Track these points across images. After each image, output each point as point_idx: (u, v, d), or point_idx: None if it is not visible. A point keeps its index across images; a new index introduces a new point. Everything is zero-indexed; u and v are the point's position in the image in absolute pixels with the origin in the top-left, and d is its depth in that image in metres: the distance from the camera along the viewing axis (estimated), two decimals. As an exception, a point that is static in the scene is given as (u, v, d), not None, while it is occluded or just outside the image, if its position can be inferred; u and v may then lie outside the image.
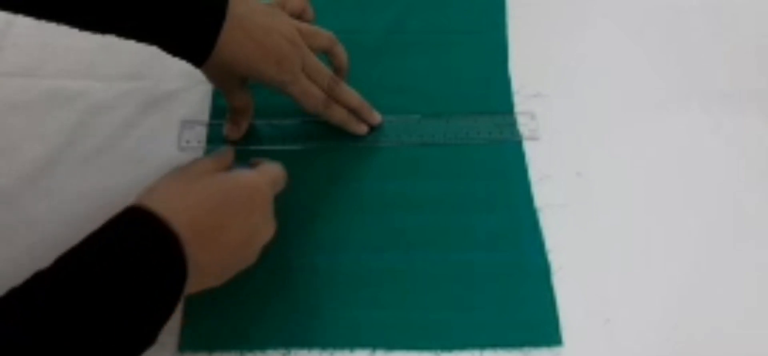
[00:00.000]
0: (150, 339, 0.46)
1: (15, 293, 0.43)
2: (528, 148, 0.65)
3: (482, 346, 0.55)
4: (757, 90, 0.70)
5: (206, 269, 0.50)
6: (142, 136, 0.66)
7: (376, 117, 0.67)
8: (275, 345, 0.54)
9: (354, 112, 0.65)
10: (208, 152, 0.65)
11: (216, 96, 0.68)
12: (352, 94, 0.65)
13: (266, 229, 0.54)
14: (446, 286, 0.58)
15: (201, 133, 0.66)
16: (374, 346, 0.55)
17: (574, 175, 0.64)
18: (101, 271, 0.45)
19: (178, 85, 0.69)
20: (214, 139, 0.66)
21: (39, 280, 0.43)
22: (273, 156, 0.59)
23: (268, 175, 0.56)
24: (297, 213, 0.60)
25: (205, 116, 0.67)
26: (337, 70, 0.65)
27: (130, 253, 0.46)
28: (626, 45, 0.73)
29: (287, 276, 0.58)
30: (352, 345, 0.55)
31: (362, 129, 0.66)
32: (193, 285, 0.49)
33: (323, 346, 0.55)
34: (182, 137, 0.66)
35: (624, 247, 0.60)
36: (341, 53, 0.65)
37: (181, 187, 0.51)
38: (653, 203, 0.62)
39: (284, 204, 0.56)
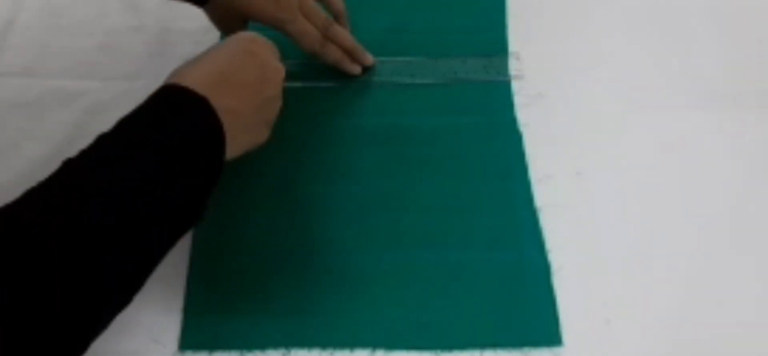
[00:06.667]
0: (200, 209, 0.48)
1: (69, 165, 0.46)
2: (528, 147, 0.65)
3: (482, 346, 0.55)
4: (758, 90, 0.70)
5: (237, 116, 0.51)
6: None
7: (369, 58, 0.70)
8: (275, 345, 0.54)
9: (348, 52, 0.69)
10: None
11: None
12: (346, 36, 0.68)
13: (274, 71, 0.57)
14: (446, 286, 0.57)
15: None
16: (374, 346, 0.55)
17: (574, 175, 0.64)
18: (141, 144, 0.47)
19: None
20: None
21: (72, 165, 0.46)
22: None
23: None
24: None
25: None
26: (335, 17, 0.68)
27: (166, 124, 0.48)
28: (626, 45, 0.73)
29: (287, 276, 0.58)
30: (352, 345, 0.55)
31: (356, 69, 0.70)
32: (230, 135, 0.50)
33: (323, 346, 0.54)
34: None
35: (624, 247, 0.60)
36: (337, 1, 0.69)
37: (194, 61, 0.54)
38: (653, 203, 0.62)
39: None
